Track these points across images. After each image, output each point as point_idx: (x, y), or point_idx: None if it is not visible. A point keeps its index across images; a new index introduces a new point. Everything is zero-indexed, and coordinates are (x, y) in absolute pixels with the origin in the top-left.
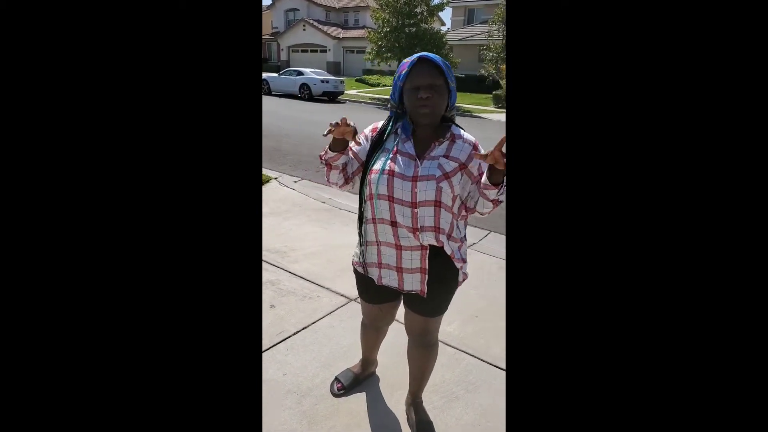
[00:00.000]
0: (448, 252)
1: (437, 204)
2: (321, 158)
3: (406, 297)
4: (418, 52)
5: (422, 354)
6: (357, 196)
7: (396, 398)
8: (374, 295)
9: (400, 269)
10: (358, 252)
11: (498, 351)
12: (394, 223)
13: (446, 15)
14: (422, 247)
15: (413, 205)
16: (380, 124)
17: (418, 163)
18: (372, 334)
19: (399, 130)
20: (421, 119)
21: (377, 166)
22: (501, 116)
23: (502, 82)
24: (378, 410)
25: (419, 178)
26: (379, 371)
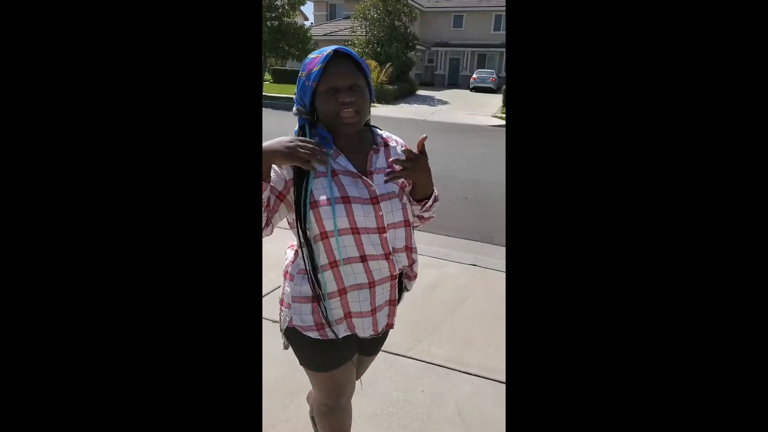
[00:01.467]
0: (416, 270)
1: (406, 224)
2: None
3: (362, 342)
4: (281, 47)
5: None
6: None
7: None
8: (336, 357)
9: (374, 311)
10: (310, 310)
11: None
12: (363, 258)
13: (308, 10)
14: (392, 276)
15: (380, 230)
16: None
17: (367, 180)
18: (340, 418)
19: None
20: (345, 128)
21: (321, 195)
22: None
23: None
24: None
25: (380, 198)
26: None
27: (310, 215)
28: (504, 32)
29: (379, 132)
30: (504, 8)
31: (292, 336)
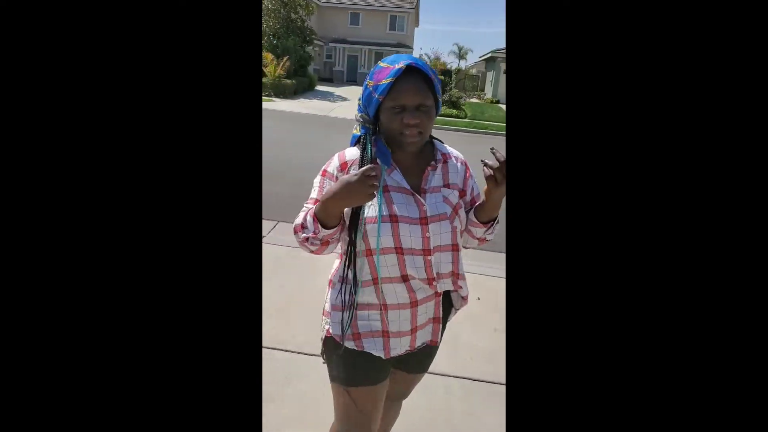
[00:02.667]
0: (464, 294)
1: (454, 248)
2: (308, 240)
3: (400, 359)
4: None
5: (396, 410)
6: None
7: None
8: (368, 374)
9: (414, 329)
10: (343, 319)
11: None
12: (405, 278)
13: None
14: (436, 294)
15: (425, 252)
16: (348, 154)
17: (420, 199)
18: None
19: (378, 158)
20: (407, 147)
21: (370, 212)
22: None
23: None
24: None
25: (430, 219)
26: None
27: (360, 232)
28: (398, 32)
29: (440, 146)
30: (397, 9)
31: (329, 345)
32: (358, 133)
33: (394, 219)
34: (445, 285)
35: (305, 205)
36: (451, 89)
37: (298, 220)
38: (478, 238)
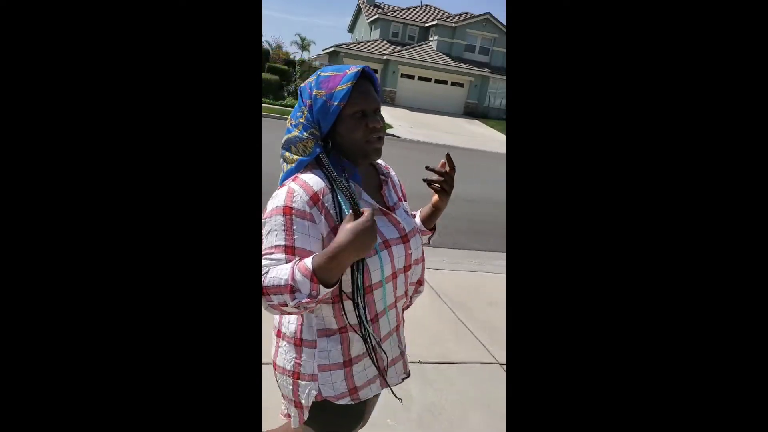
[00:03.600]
0: (413, 300)
1: (423, 258)
2: (300, 306)
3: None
4: None
5: None
6: None
7: None
8: (362, 419)
9: (403, 352)
10: (343, 377)
11: None
12: (396, 302)
13: None
14: (402, 311)
15: (407, 269)
16: (311, 182)
17: (394, 217)
18: None
19: (349, 179)
20: (373, 156)
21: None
22: None
23: None
24: None
25: (409, 236)
26: None
27: (362, 267)
28: None
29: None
30: None
31: (319, 408)
32: (305, 157)
33: (387, 244)
34: (410, 293)
35: (269, 257)
36: (295, 80)
37: (281, 280)
38: (423, 245)
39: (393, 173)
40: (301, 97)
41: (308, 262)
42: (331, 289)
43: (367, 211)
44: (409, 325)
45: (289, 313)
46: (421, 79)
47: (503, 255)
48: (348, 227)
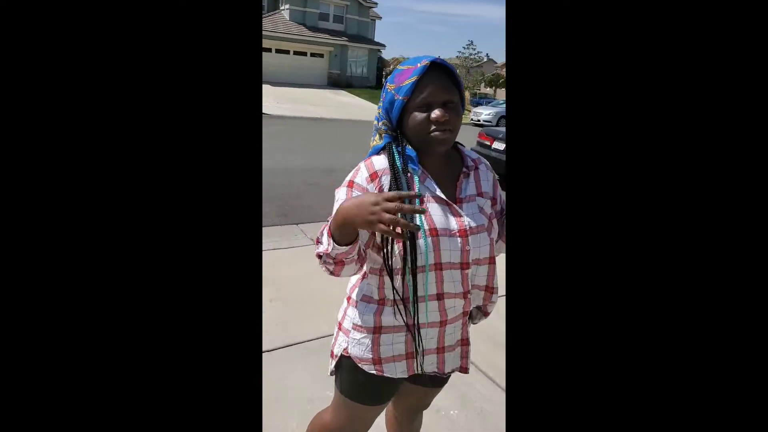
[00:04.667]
0: (490, 309)
1: (491, 260)
2: (321, 257)
3: (416, 376)
4: None
5: (419, 420)
6: None
7: None
8: (383, 394)
9: (441, 349)
10: (370, 343)
11: None
12: (440, 296)
13: None
14: (464, 313)
15: (464, 266)
16: (377, 163)
17: (457, 209)
18: None
19: (408, 165)
20: (437, 148)
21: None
22: None
23: None
24: None
25: (470, 232)
26: None
27: (396, 248)
28: None
29: (467, 151)
30: None
31: (344, 363)
32: (380, 144)
33: (434, 233)
34: (477, 299)
35: (328, 219)
36: None
37: (316, 236)
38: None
39: (484, 168)
40: (384, 89)
41: (331, 221)
42: (345, 249)
43: (391, 194)
44: None
45: (329, 271)
46: (279, 51)
47: None
48: (358, 196)
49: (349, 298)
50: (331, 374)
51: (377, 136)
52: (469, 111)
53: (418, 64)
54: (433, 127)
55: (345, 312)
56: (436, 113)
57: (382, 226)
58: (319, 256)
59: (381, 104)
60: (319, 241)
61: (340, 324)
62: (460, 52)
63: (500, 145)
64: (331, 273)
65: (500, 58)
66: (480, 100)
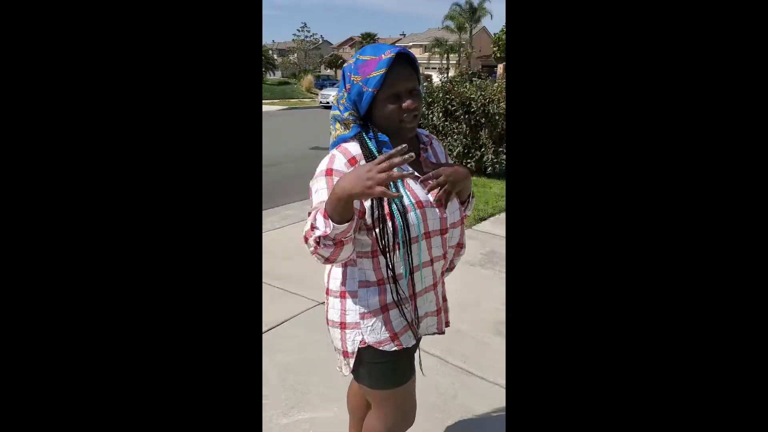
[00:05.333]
0: (456, 264)
1: (462, 222)
2: (320, 242)
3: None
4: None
5: None
6: None
7: None
8: (409, 367)
9: (439, 310)
10: (382, 323)
11: None
12: (431, 261)
13: None
14: (442, 273)
15: (443, 231)
16: (352, 149)
17: (429, 182)
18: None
19: (383, 150)
20: (408, 133)
21: (404, 201)
22: None
23: None
24: None
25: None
26: None
27: (397, 223)
28: None
29: (419, 130)
30: None
31: (365, 356)
32: (346, 134)
33: (420, 205)
34: (450, 256)
35: (310, 216)
36: None
37: (307, 225)
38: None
39: (436, 142)
40: (343, 79)
41: (325, 203)
42: (344, 227)
43: (381, 158)
44: None
45: (324, 258)
46: None
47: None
48: (353, 169)
49: (342, 293)
50: (352, 373)
51: (339, 125)
52: (317, 94)
53: (382, 56)
54: (405, 115)
55: (342, 308)
56: (407, 103)
57: (379, 188)
58: (317, 242)
59: (345, 95)
60: (313, 228)
61: (342, 323)
62: (295, 35)
63: None
64: (326, 260)
65: (334, 39)
66: (324, 83)
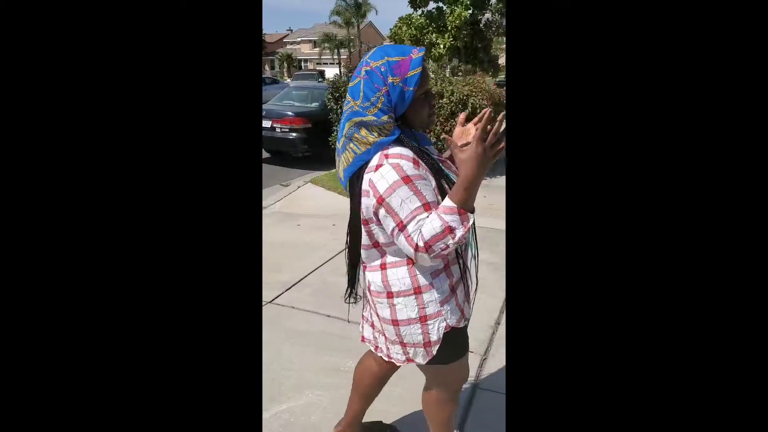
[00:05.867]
0: None
1: None
2: (464, 235)
3: None
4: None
5: None
6: None
7: None
8: (467, 339)
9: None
10: (454, 304)
11: None
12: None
13: None
14: None
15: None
16: (404, 152)
17: (455, 169)
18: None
19: (423, 145)
20: (430, 126)
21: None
22: None
23: None
24: None
25: None
26: None
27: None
28: None
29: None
30: None
31: (447, 339)
32: (386, 138)
33: None
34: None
35: (416, 220)
36: None
37: (436, 229)
38: None
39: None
40: (373, 81)
41: (447, 203)
42: (469, 222)
43: (489, 142)
44: None
45: (447, 254)
46: None
47: None
48: (464, 158)
49: (417, 290)
50: (431, 362)
51: (366, 131)
52: None
53: (411, 55)
54: (431, 112)
55: (420, 303)
56: (432, 101)
57: (496, 151)
58: (457, 239)
59: (382, 98)
60: (452, 230)
61: (422, 317)
62: None
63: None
64: (463, 241)
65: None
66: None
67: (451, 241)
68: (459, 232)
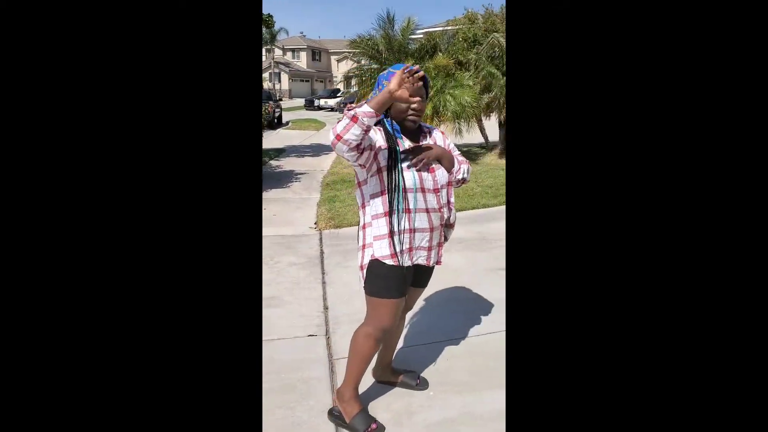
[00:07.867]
0: (453, 220)
1: (449, 185)
2: (351, 108)
3: (415, 276)
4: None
5: (402, 325)
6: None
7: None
8: (402, 286)
9: (430, 248)
10: (387, 243)
11: None
12: (427, 210)
13: None
14: (441, 225)
15: (436, 190)
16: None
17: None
18: (392, 336)
19: (394, 132)
20: (407, 124)
21: (406, 163)
22: None
23: None
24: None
25: (435, 168)
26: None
27: (402, 175)
28: None
29: (428, 126)
30: None
31: (372, 267)
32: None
33: (416, 168)
34: (446, 212)
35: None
36: None
37: (343, 123)
38: (456, 180)
39: (437, 133)
40: (379, 83)
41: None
42: (373, 112)
43: (399, 71)
44: None
45: (350, 142)
46: None
47: None
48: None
49: (365, 225)
50: (364, 287)
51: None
52: None
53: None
54: (410, 113)
55: (364, 234)
56: (414, 105)
57: (402, 92)
58: (348, 107)
59: (377, 93)
60: (354, 118)
61: (363, 245)
62: None
63: None
64: (351, 144)
65: None
66: None
67: (347, 116)
68: (358, 110)
